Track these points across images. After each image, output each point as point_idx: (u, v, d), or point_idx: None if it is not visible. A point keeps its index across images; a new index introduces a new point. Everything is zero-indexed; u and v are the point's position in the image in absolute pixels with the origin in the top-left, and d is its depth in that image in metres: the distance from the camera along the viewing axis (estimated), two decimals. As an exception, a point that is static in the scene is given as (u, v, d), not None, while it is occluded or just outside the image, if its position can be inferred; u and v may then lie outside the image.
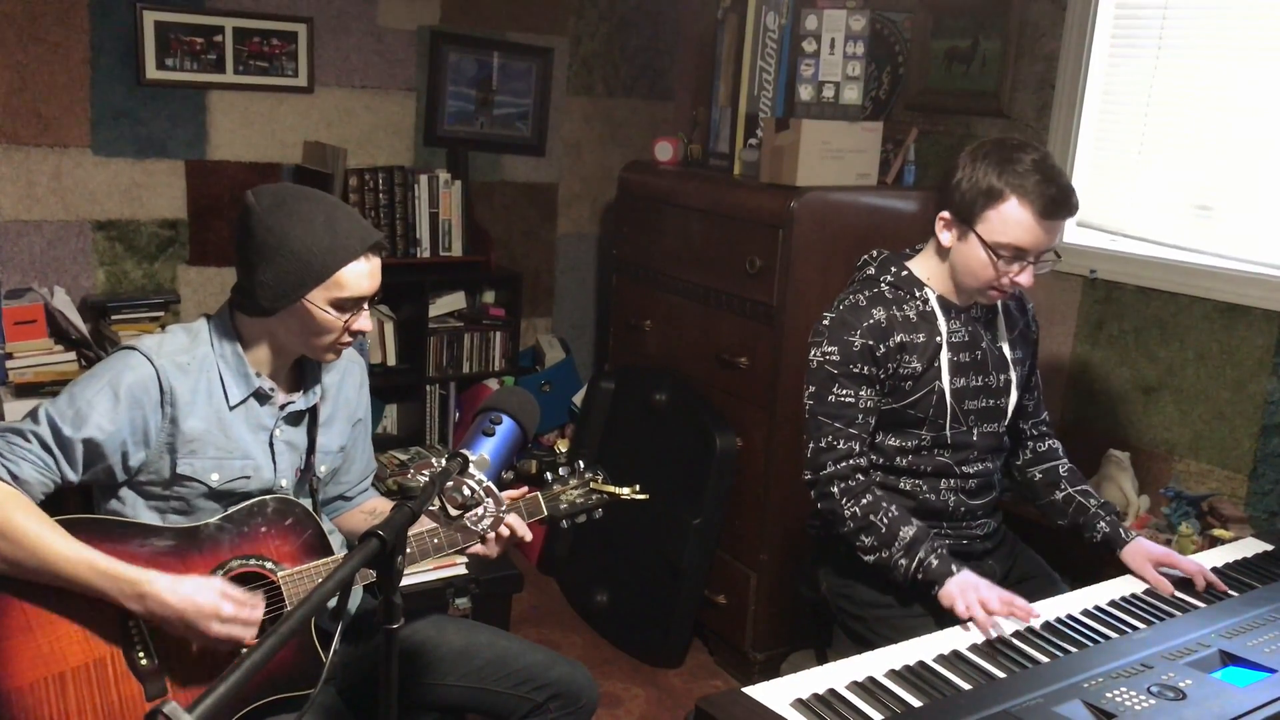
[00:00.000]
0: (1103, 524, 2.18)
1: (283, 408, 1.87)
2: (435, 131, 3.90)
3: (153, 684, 1.69)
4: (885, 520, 2.05)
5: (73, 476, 1.72)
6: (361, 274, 1.78)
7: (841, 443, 2.09)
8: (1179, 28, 2.72)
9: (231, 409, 1.80)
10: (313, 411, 1.92)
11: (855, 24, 3.01)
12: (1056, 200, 1.96)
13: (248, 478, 1.82)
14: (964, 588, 1.92)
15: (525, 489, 1.99)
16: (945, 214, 2.06)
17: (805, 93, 3.00)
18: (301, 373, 1.92)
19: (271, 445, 1.86)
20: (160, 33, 3.35)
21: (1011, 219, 1.97)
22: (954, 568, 1.98)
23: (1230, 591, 1.99)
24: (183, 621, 1.64)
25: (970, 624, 1.85)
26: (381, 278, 1.86)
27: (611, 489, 2.04)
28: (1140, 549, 2.09)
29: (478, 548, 1.86)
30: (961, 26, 3.21)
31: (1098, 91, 2.91)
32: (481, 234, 3.87)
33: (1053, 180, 1.96)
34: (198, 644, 1.68)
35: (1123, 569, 2.10)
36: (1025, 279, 2.01)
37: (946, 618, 1.96)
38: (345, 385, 2.00)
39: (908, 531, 2.03)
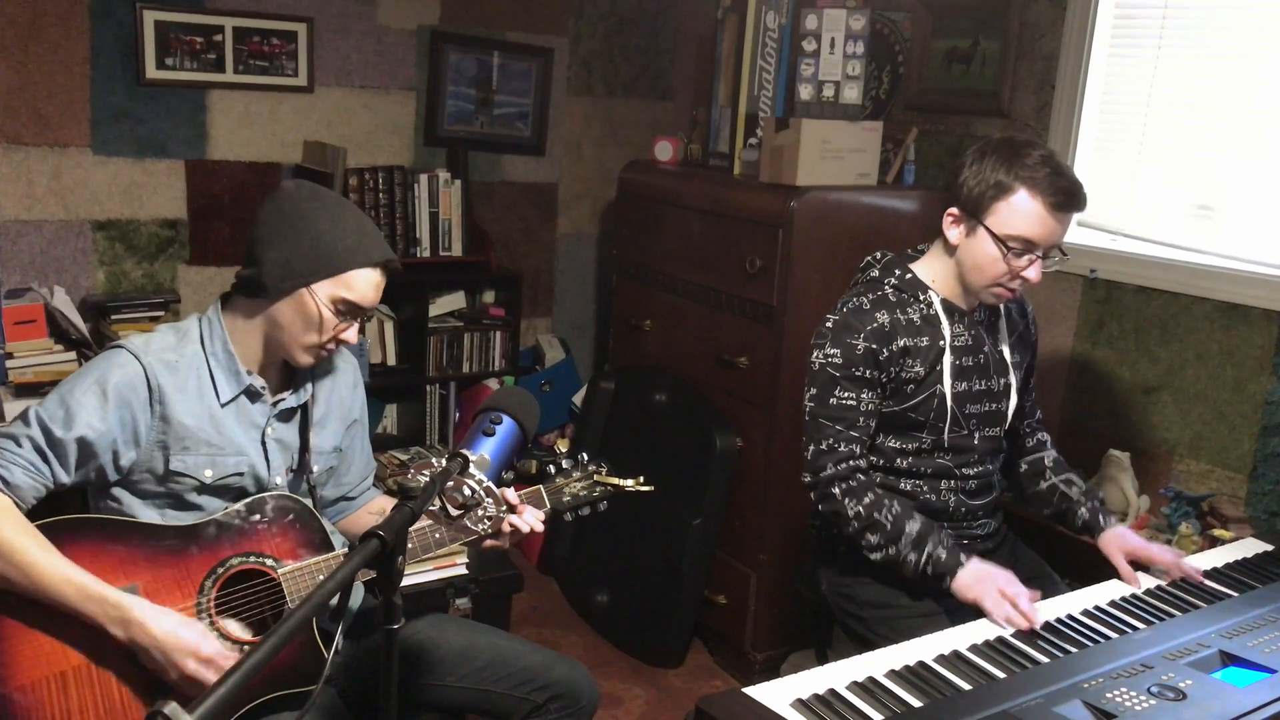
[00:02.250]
0: (1084, 510, 2.21)
1: (274, 405, 1.87)
2: (435, 131, 3.90)
3: (155, 683, 1.69)
4: (890, 517, 2.05)
5: (65, 478, 1.72)
6: (370, 283, 1.81)
7: (842, 445, 2.09)
8: (1179, 28, 2.72)
9: (223, 406, 1.81)
10: (304, 410, 1.92)
11: (855, 24, 3.01)
12: (1066, 192, 1.97)
13: (241, 474, 1.82)
14: (978, 578, 1.94)
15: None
16: (953, 210, 2.06)
17: (805, 92, 3.00)
18: (292, 371, 1.92)
19: (264, 443, 1.86)
20: (160, 32, 3.35)
21: (1021, 210, 1.97)
22: (963, 558, 2.00)
23: (1229, 591, 2.00)
24: (161, 652, 1.63)
25: (973, 623, 1.86)
26: (396, 266, 1.88)
27: (615, 481, 2.03)
28: (1116, 537, 2.12)
29: (490, 539, 1.85)
30: (961, 26, 3.21)
31: (1098, 91, 2.91)
32: (481, 234, 3.87)
33: (1062, 173, 1.98)
34: (166, 680, 1.67)
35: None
36: (1034, 274, 2.02)
37: (958, 612, 1.97)
38: (338, 386, 2.00)
39: (913, 526, 2.04)
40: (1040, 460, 2.33)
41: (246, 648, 1.75)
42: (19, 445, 1.69)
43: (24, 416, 1.71)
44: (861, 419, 2.10)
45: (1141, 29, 2.81)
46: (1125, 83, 2.85)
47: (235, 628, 1.78)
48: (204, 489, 1.80)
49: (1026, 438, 2.35)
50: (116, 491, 1.78)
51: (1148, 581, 2.04)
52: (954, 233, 2.08)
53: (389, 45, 3.76)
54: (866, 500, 2.07)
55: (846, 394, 2.09)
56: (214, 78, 3.47)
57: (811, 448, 2.13)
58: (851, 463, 2.09)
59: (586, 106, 4.21)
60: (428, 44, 3.83)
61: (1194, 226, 2.72)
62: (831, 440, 2.10)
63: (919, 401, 2.12)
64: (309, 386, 1.93)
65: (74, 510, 1.77)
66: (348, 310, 1.80)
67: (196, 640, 1.65)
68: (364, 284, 1.80)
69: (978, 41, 3.16)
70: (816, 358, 2.13)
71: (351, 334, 1.84)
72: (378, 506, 2.12)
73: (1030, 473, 2.33)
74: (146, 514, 1.78)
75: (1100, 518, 2.18)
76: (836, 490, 2.09)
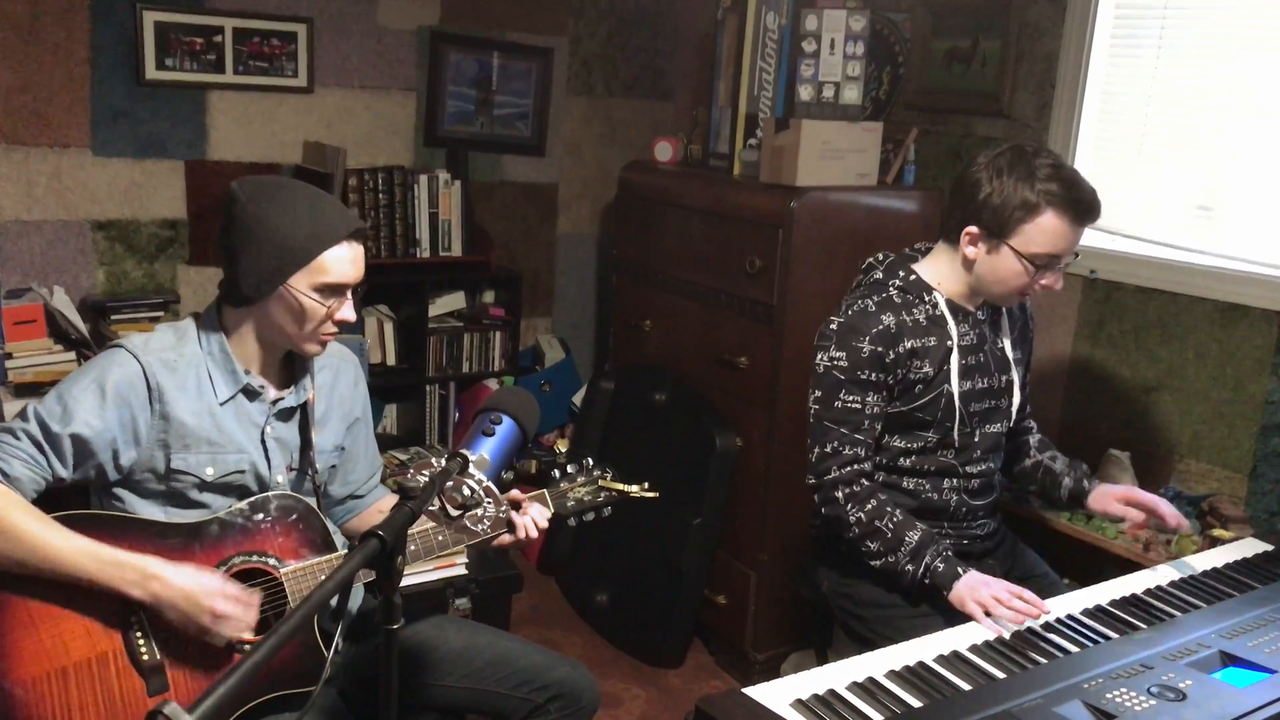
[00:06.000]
0: (1067, 479, 2.26)
1: (274, 404, 1.87)
2: (435, 131, 3.90)
3: (155, 679, 1.69)
4: (890, 526, 2.05)
5: (64, 473, 1.72)
6: (344, 259, 1.79)
7: (847, 448, 2.09)
8: (1179, 28, 2.72)
9: (221, 405, 1.81)
10: (305, 409, 1.92)
11: (855, 24, 3.01)
12: (1087, 205, 2.00)
13: (242, 471, 1.83)
14: (973, 588, 1.94)
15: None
16: (973, 229, 2.05)
17: (805, 93, 3.00)
18: (292, 370, 1.92)
19: (264, 441, 1.86)
20: (160, 33, 3.35)
21: (1048, 230, 1.99)
22: (960, 569, 2.00)
23: (1229, 591, 1.99)
24: (186, 598, 1.65)
25: (973, 623, 1.86)
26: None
27: (620, 486, 2.03)
28: (1103, 492, 2.20)
29: (505, 538, 1.86)
30: (961, 26, 3.21)
31: (1098, 91, 2.91)
32: (481, 234, 3.87)
33: (1078, 185, 2.00)
34: (196, 633, 1.68)
35: (1124, 568, 2.11)
36: (1058, 283, 2.06)
37: (954, 616, 1.97)
38: (339, 384, 2.00)
39: (913, 537, 2.04)
40: (1025, 441, 2.37)
41: (247, 647, 1.75)
42: (17, 439, 1.70)
43: (23, 412, 1.73)
44: (866, 422, 2.10)
45: (1141, 29, 2.81)
46: (1125, 83, 2.85)
47: (236, 627, 1.78)
48: (205, 487, 1.80)
49: (1016, 433, 2.36)
50: (119, 490, 1.78)
51: (1146, 582, 2.03)
52: (971, 250, 2.08)
53: (389, 46, 3.76)
54: (869, 507, 2.07)
55: (852, 397, 2.09)
56: (214, 78, 3.47)
57: (816, 450, 2.13)
58: (856, 466, 2.09)
59: (586, 106, 4.21)
60: (428, 44, 3.82)
61: (1194, 226, 2.72)
62: (836, 443, 2.10)
63: (927, 401, 2.12)
64: (309, 386, 1.93)
65: (76, 510, 1.77)
66: (333, 292, 1.80)
67: (219, 582, 1.68)
68: (337, 263, 1.78)
69: (978, 41, 3.16)
70: (821, 360, 2.13)
71: (347, 311, 1.83)
72: (388, 504, 2.12)
73: (1013, 450, 2.36)
74: (149, 512, 1.79)
75: (1085, 482, 2.24)
76: (839, 494, 2.09)
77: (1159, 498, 2.14)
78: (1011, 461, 2.36)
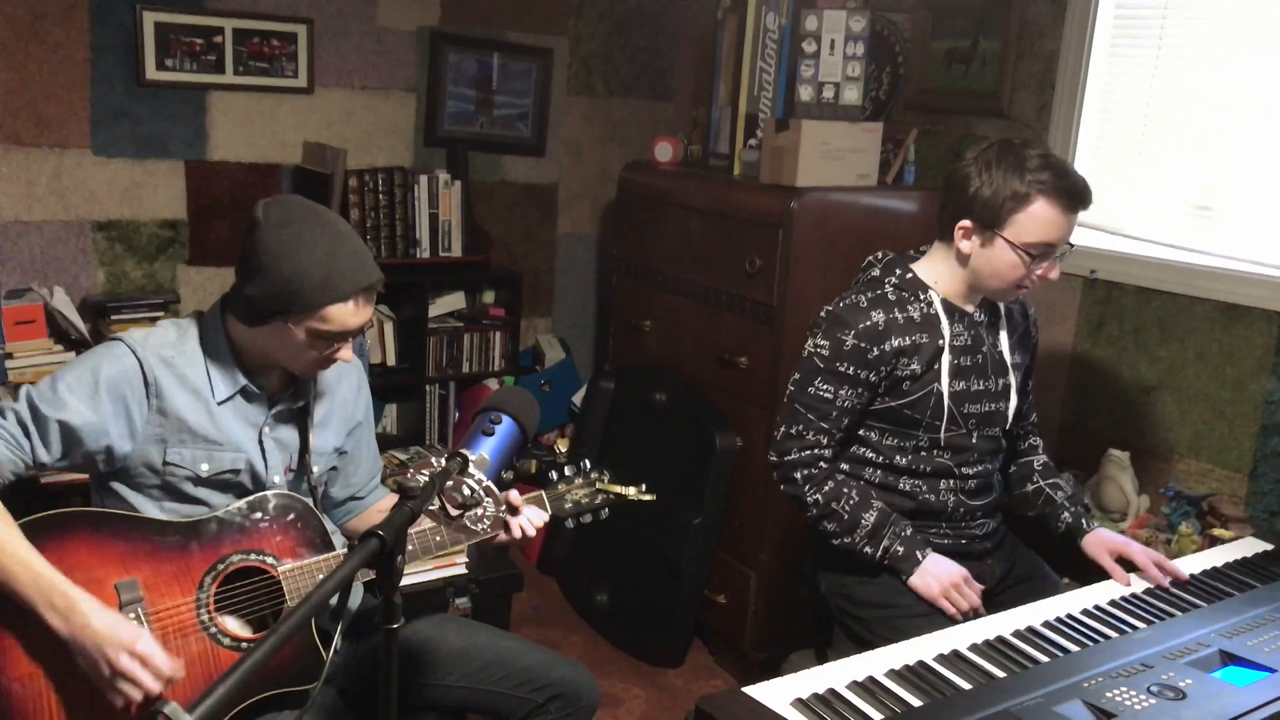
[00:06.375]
0: (1066, 514, 2.23)
1: (273, 405, 1.87)
2: (435, 132, 3.90)
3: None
4: (847, 508, 2.10)
5: (46, 457, 1.72)
6: (348, 313, 1.76)
7: (810, 434, 2.13)
8: (1179, 28, 2.72)
9: (220, 404, 1.81)
10: (304, 411, 1.92)
11: (855, 24, 3.01)
12: (1078, 192, 2.00)
13: (238, 470, 1.83)
14: (941, 582, 2.05)
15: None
16: (966, 223, 2.06)
17: (805, 93, 3.00)
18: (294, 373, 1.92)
19: (261, 441, 1.86)
20: (160, 33, 3.35)
21: (1041, 218, 1.99)
22: (919, 554, 2.06)
23: (1229, 591, 2.00)
24: (96, 645, 1.58)
25: (973, 623, 1.86)
26: (379, 287, 1.84)
27: (618, 489, 2.04)
28: (1099, 538, 2.16)
29: (501, 536, 1.86)
30: (961, 26, 3.21)
31: (1098, 91, 2.91)
32: (481, 234, 3.88)
33: (1067, 173, 2.01)
34: (101, 686, 1.61)
35: (1124, 567, 2.11)
36: (1054, 273, 2.06)
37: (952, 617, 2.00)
38: (341, 387, 2.00)
39: (869, 518, 2.09)
40: (1030, 464, 2.35)
41: (245, 645, 1.75)
42: (3, 417, 1.71)
43: (16, 393, 1.72)
44: (834, 413, 2.12)
45: (1141, 29, 2.81)
46: (1125, 83, 2.85)
47: (234, 625, 1.78)
48: (200, 482, 1.80)
49: (1019, 440, 2.36)
50: (116, 485, 1.79)
51: (1141, 582, 2.04)
52: (965, 244, 2.08)
53: (389, 46, 3.76)
54: (826, 489, 2.12)
55: (825, 386, 2.11)
56: (214, 79, 3.47)
57: (782, 429, 2.17)
58: (816, 452, 2.14)
59: (586, 106, 4.21)
60: (428, 45, 3.82)
61: (1194, 226, 2.72)
62: (801, 428, 2.13)
63: (916, 399, 2.12)
64: (310, 388, 1.93)
65: (78, 507, 1.77)
66: (332, 338, 1.78)
67: (133, 635, 1.60)
68: (340, 316, 1.75)
69: (978, 41, 3.16)
70: (807, 345, 2.17)
71: (345, 353, 1.82)
72: (387, 504, 2.12)
73: (1018, 475, 2.35)
74: (147, 508, 1.79)
75: (1083, 522, 2.21)
76: (798, 475, 2.14)
77: (1150, 558, 2.06)
78: (1014, 483, 2.35)
